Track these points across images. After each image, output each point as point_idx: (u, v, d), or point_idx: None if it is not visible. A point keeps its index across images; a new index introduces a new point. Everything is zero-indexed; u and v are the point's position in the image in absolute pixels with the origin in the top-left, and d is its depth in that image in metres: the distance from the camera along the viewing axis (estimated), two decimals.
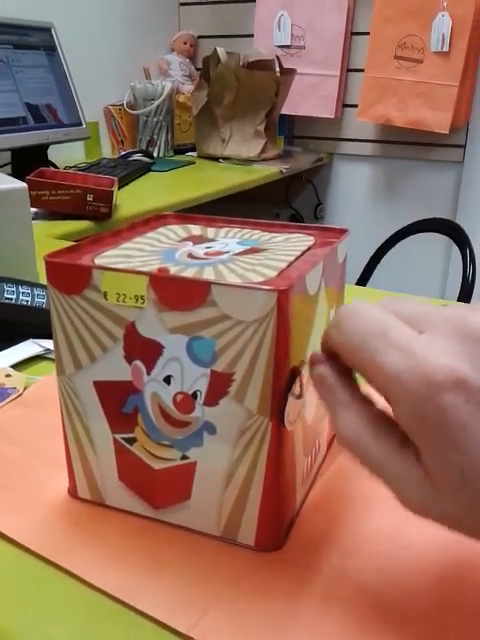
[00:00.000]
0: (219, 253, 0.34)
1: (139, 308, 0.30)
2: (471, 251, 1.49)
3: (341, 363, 0.26)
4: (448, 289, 2.11)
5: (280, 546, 0.32)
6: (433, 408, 0.21)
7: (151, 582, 0.30)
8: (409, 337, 0.23)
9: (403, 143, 2.07)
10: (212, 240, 0.36)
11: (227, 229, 0.39)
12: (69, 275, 0.31)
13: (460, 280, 1.47)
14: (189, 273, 0.30)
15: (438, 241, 1.80)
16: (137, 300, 0.30)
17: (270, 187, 1.83)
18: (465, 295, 1.44)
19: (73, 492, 0.36)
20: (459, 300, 1.45)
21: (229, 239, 0.37)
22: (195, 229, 0.39)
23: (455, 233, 1.58)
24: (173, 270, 0.30)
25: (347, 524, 0.34)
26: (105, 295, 0.30)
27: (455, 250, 1.61)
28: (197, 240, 0.36)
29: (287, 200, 2.30)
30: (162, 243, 0.35)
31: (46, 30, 1.54)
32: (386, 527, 0.34)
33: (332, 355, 0.26)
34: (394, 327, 0.24)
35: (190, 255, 0.33)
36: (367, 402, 0.26)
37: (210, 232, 0.38)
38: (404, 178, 2.14)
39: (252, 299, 0.28)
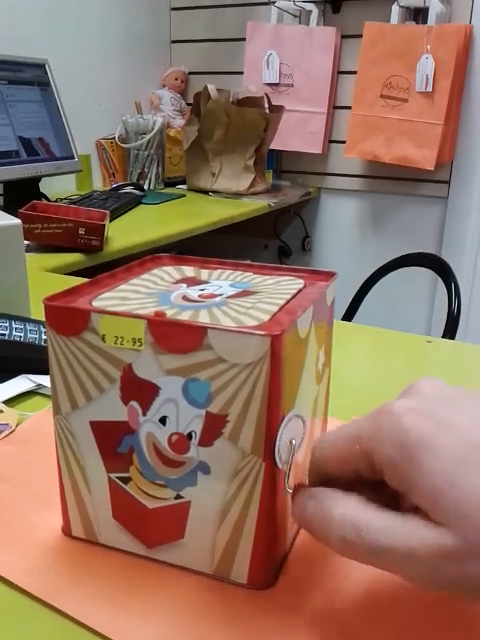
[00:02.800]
0: (212, 295, 0.35)
1: (136, 350, 0.31)
2: (456, 285, 1.51)
3: (330, 485, 0.29)
4: (434, 322, 2.14)
5: (272, 585, 0.33)
6: (400, 431, 0.26)
7: (144, 621, 0.30)
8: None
9: (389, 178, 2.12)
10: (205, 282, 0.37)
11: (220, 271, 0.40)
12: (68, 318, 0.32)
13: (445, 314, 1.50)
14: (185, 316, 0.31)
15: (424, 275, 1.83)
16: (135, 343, 0.31)
17: (259, 220, 1.86)
18: (450, 329, 1.47)
19: (67, 530, 0.36)
20: (445, 333, 1.47)
21: (222, 281, 0.38)
22: (189, 271, 0.40)
23: (440, 267, 1.61)
24: (169, 313, 0.31)
25: (337, 562, 0.35)
26: (103, 338, 0.31)
27: (440, 284, 1.64)
28: (191, 282, 0.37)
29: (276, 232, 2.33)
30: (157, 285, 0.36)
31: (40, 66, 1.57)
32: None
33: (320, 480, 0.30)
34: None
35: (185, 297, 0.34)
36: (361, 497, 0.27)
37: (203, 274, 0.39)
38: (390, 213, 2.18)
39: (247, 343, 0.29)
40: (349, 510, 0.26)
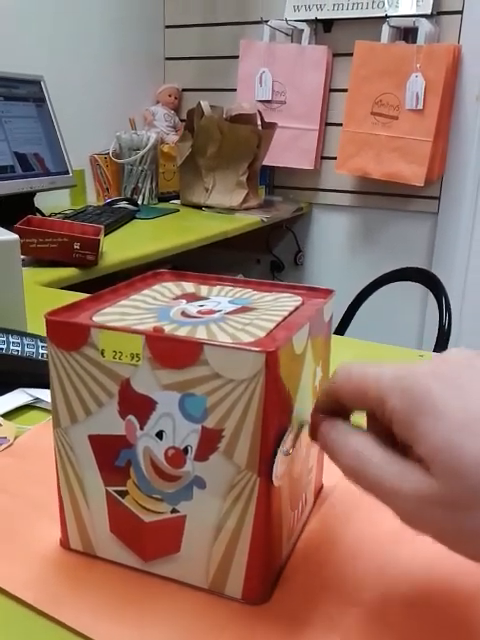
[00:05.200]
0: (211, 311, 0.35)
1: (134, 365, 0.31)
2: (447, 300, 1.53)
3: (342, 417, 0.31)
4: (425, 337, 2.15)
5: (267, 599, 0.33)
6: (415, 388, 0.28)
7: (141, 634, 0.31)
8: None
9: (380, 194, 2.14)
10: (205, 298, 0.38)
11: (219, 287, 0.41)
12: (68, 333, 0.32)
13: (436, 328, 1.51)
14: (183, 332, 0.32)
15: (414, 289, 1.85)
16: (133, 358, 0.31)
17: (252, 235, 1.88)
18: (442, 342, 1.48)
19: (65, 543, 0.36)
20: (436, 347, 1.48)
21: (221, 297, 0.38)
22: (189, 287, 0.41)
23: (431, 282, 1.63)
24: (167, 329, 0.32)
25: (333, 575, 0.35)
26: (102, 353, 0.32)
27: (431, 299, 1.66)
28: (190, 298, 0.38)
29: (268, 247, 2.35)
30: (157, 301, 0.37)
31: (36, 82, 1.59)
32: (370, 577, 0.35)
33: (332, 404, 0.32)
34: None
35: (184, 313, 0.35)
36: (372, 436, 0.30)
37: (203, 290, 0.40)
38: (381, 228, 2.20)
39: (242, 359, 0.29)
40: (361, 445, 0.29)
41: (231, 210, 1.92)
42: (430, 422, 0.26)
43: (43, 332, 0.60)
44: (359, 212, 2.22)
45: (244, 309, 0.36)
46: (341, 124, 2.05)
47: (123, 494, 0.34)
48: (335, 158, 2.08)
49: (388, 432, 0.29)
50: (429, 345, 1.82)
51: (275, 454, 0.31)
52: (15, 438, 0.48)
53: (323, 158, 2.20)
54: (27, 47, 1.77)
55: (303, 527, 0.39)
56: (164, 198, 2.08)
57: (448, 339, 1.48)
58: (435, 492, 0.26)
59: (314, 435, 0.32)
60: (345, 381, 0.31)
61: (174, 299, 0.38)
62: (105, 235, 1.33)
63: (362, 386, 0.30)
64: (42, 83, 1.60)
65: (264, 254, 2.36)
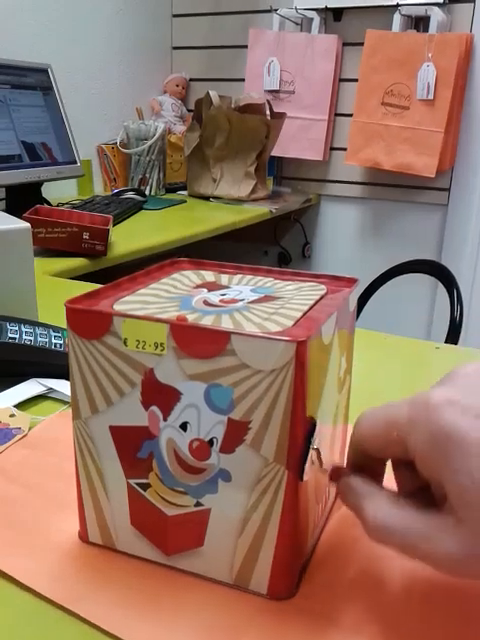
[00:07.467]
0: (234, 300, 0.34)
1: (158, 355, 0.30)
2: (458, 292, 1.51)
3: (365, 474, 0.31)
4: (434, 329, 2.14)
5: (293, 594, 0.32)
6: (437, 426, 0.26)
7: (163, 629, 0.30)
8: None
9: (389, 186, 2.12)
10: (226, 287, 0.37)
11: (240, 276, 0.40)
12: (90, 321, 0.31)
13: (445, 320, 1.49)
14: (207, 321, 0.31)
15: (423, 281, 1.83)
16: (157, 347, 0.30)
17: (259, 226, 1.86)
18: (453, 336, 1.46)
19: (84, 536, 0.36)
20: (447, 340, 1.47)
21: (242, 286, 0.37)
22: (208, 275, 0.40)
23: (442, 275, 1.61)
24: (191, 318, 0.31)
25: (358, 570, 0.34)
26: (125, 341, 0.31)
27: (440, 291, 1.64)
28: (211, 287, 0.37)
29: (275, 239, 2.34)
30: (177, 289, 0.36)
31: (43, 71, 1.57)
32: (397, 571, 0.34)
33: (357, 468, 0.32)
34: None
35: (206, 302, 0.34)
36: (393, 493, 0.30)
37: (223, 279, 0.39)
38: (390, 220, 2.18)
39: (271, 349, 0.28)
40: (380, 513, 0.28)
41: (239, 201, 1.91)
42: (456, 458, 0.25)
43: (54, 322, 0.59)
44: (368, 204, 2.20)
45: (267, 298, 0.35)
46: (351, 114, 2.03)
47: (145, 487, 0.33)
48: (344, 149, 2.07)
49: (415, 475, 0.28)
50: (437, 337, 1.81)
51: (305, 448, 0.30)
52: (29, 429, 0.47)
53: (332, 149, 2.18)
54: (34, 36, 1.75)
55: (326, 520, 0.38)
56: (171, 189, 2.07)
57: (459, 332, 1.47)
58: (467, 551, 0.25)
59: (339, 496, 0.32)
60: (365, 429, 0.31)
61: (194, 288, 0.37)
62: (113, 225, 1.32)
63: (382, 429, 0.29)
64: (49, 71, 1.59)
65: (272, 246, 2.35)
